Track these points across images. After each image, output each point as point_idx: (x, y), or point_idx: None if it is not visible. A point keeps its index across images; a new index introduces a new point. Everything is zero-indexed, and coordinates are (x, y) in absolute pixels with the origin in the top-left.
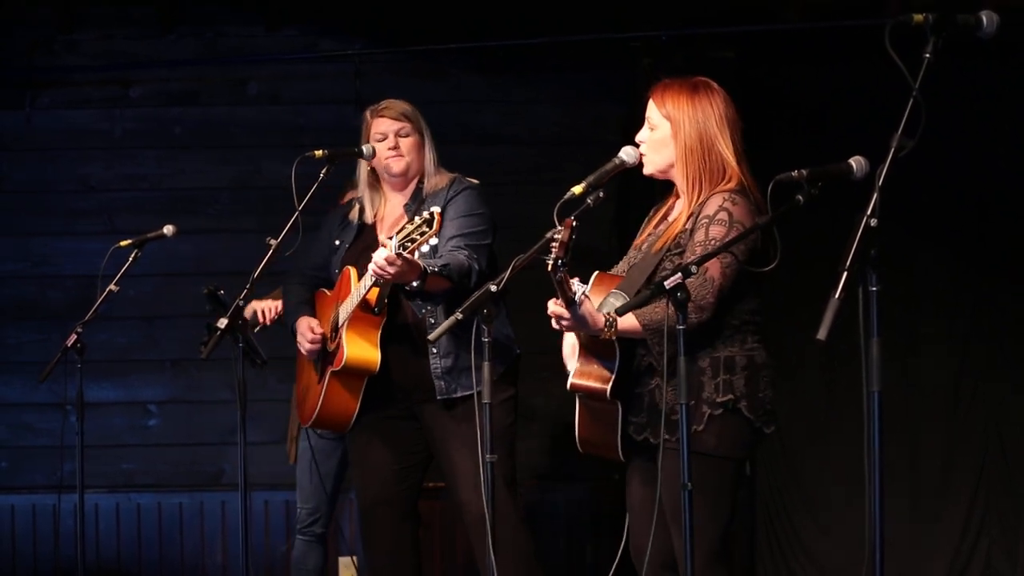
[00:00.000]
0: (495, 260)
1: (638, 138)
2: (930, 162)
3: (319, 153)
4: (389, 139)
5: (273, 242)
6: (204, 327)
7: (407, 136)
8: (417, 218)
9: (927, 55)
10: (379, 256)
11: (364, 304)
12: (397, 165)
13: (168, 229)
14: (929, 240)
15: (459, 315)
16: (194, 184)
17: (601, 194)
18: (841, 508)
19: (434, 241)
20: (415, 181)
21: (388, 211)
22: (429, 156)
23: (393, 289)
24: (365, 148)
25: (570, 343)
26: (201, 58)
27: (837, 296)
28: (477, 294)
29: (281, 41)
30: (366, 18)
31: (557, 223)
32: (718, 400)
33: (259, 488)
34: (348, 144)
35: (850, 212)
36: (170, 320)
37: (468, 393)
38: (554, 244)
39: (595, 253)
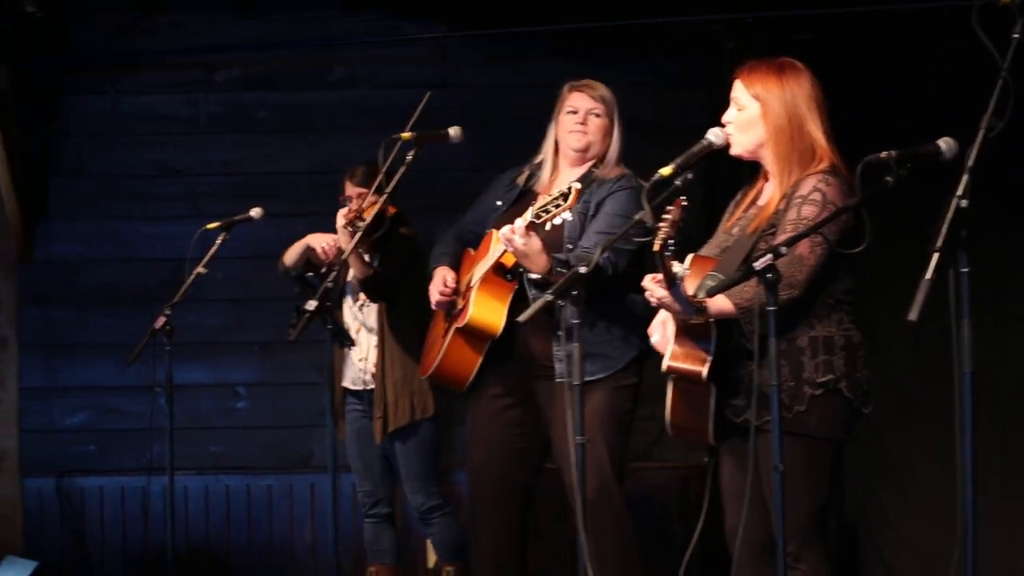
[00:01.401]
0: (641, 263)
1: (724, 119)
2: (1018, 142)
3: (407, 135)
4: (579, 115)
5: (361, 224)
6: (293, 309)
7: (598, 117)
8: (556, 191)
9: (1015, 35)
10: (507, 227)
11: (498, 268)
12: (578, 141)
13: (255, 212)
14: (1018, 219)
15: (549, 296)
16: (279, 168)
17: (690, 175)
18: (931, 486)
19: (568, 215)
20: (591, 163)
21: (556, 185)
22: (614, 146)
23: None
24: (452, 131)
25: (659, 320)
26: (283, 42)
27: (928, 277)
28: (566, 276)
29: (363, 25)
30: (448, 1)
31: (647, 205)
32: (818, 380)
33: (348, 470)
34: (431, 127)
35: (938, 189)
36: (258, 303)
37: (589, 379)
38: (663, 223)
39: (682, 235)
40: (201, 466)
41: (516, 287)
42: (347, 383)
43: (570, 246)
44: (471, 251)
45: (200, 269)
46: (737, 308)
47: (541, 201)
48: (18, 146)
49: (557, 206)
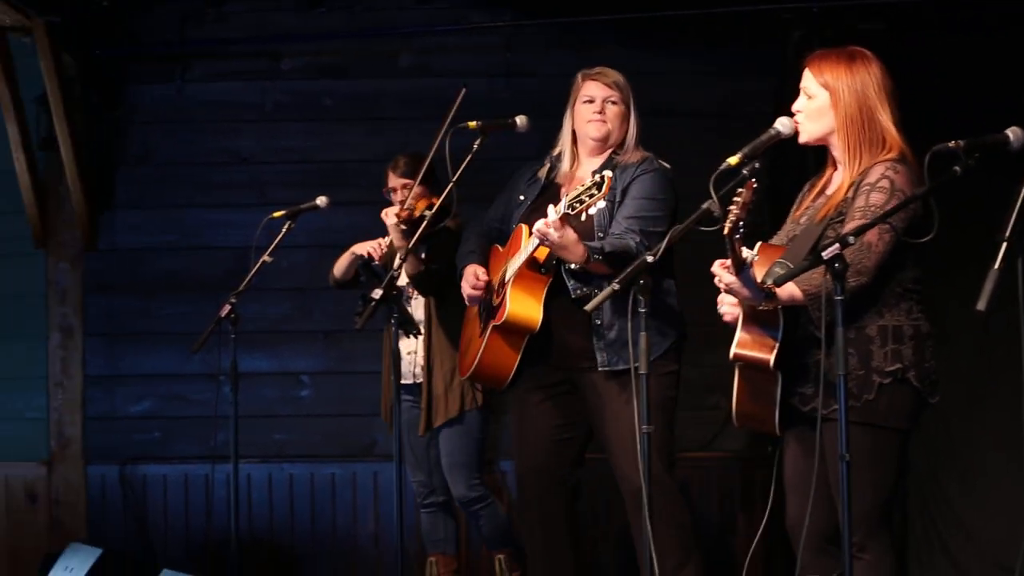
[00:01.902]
0: (672, 248)
1: (794, 108)
2: None
3: (473, 124)
4: (596, 103)
5: (428, 213)
6: (358, 298)
7: (614, 104)
8: (588, 180)
9: None
10: (541, 221)
11: (532, 262)
12: (598, 130)
13: (321, 200)
14: None
15: (615, 286)
16: (345, 156)
17: (756, 164)
18: (998, 476)
19: (601, 204)
20: (610, 151)
21: (578, 175)
22: (632, 131)
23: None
24: (518, 120)
25: (728, 299)
26: (351, 31)
27: (997, 266)
28: (633, 265)
29: (431, 13)
30: None
31: (713, 194)
32: (887, 369)
33: None
34: (498, 116)
35: (1008, 178)
36: (322, 291)
37: (629, 368)
38: (734, 206)
39: (744, 237)
40: (265, 454)
41: (551, 280)
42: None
43: (601, 234)
44: (499, 248)
45: (266, 257)
46: (805, 295)
47: (574, 192)
48: (84, 134)
49: (591, 195)
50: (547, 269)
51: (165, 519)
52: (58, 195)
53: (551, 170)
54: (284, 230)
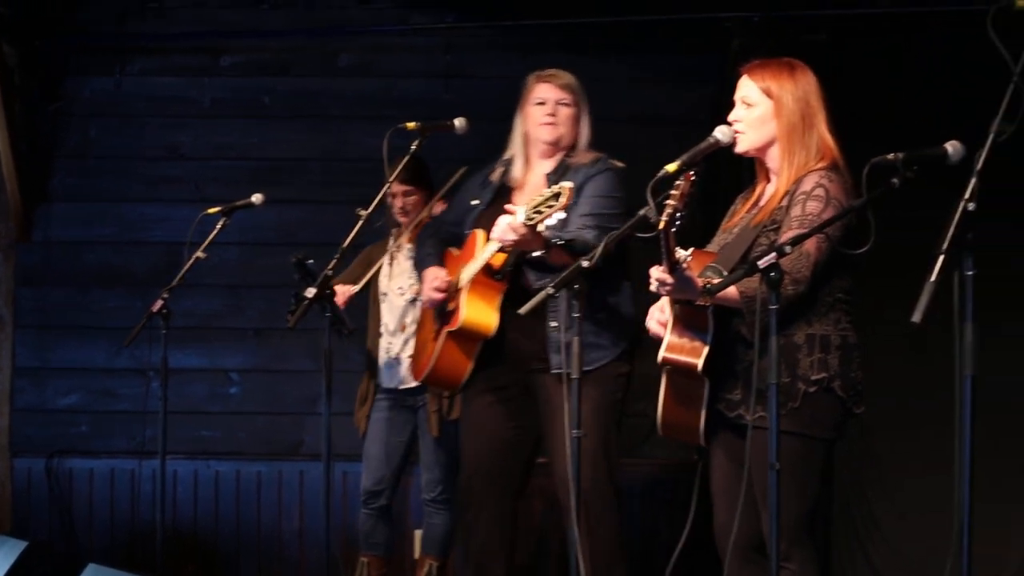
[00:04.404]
0: (626, 246)
1: (731, 117)
2: None
3: (411, 125)
4: (548, 106)
5: (363, 213)
6: (292, 296)
7: (566, 107)
8: (547, 191)
9: None
10: (503, 222)
11: (487, 268)
12: (549, 133)
13: (256, 198)
14: None
15: (550, 289)
16: (283, 154)
17: (693, 173)
18: (922, 489)
19: (561, 215)
20: (562, 153)
21: (530, 178)
22: (584, 133)
23: (518, 257)
24: (457, 122)
25: (657, 315)
26: (292, 29)
27: (933, 279)
28: (568, 269)
29: (373, 13)
30: None
31: (650, 201)
32: (813, 378)
33: (338, 459)
34: (437, 118)
35: (946, 189)
36: (254, 289)
37: (585, 369)
38: (671, 198)
39: (680, 232)
40: (191, 451)
41: (506, 288)
42: (393, 383)
43: (558, 235)
44: (453, 251)
45: (199, 254)
46: (742, 296)
47: (532, 202)
48: (21, 126)
49: (550, 206)
50: (502, 275)
51: (91, 513)
52: None
53: (504, 173)
54: (218, 227)
